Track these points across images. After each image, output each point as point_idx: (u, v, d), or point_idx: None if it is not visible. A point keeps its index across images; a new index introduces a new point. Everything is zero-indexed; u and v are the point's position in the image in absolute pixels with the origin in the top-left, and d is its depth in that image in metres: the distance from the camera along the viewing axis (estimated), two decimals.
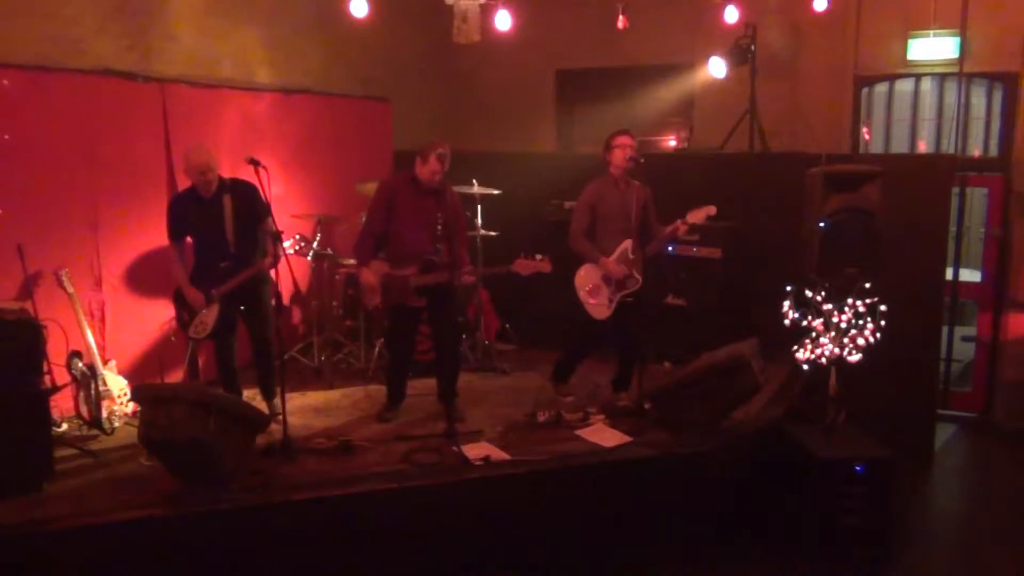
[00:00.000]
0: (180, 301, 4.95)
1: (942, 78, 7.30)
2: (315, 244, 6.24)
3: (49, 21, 5.05)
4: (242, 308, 4.98)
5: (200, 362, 5.66)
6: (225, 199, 4.85)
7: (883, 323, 4.80)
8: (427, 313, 5.24)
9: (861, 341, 4.83)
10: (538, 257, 5.00)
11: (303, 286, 6.70)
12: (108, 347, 5.29)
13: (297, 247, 5.95)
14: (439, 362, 5.36)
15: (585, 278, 5.23)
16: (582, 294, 5.22)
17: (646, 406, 5.10)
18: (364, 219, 5.26)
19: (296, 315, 6.73)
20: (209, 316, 4.86)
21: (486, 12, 6.27)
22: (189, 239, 5.00)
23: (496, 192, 6.42)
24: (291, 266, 4.86)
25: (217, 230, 4.84)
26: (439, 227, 5.00)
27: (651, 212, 5.29)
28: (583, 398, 5.48)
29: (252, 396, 5.21)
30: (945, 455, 6.44)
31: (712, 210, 5.08)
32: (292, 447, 4.53)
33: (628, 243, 5.16)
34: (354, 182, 6.60)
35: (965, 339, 7.34)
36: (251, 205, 4.85)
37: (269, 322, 5.01)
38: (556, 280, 5.40)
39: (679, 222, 5.11)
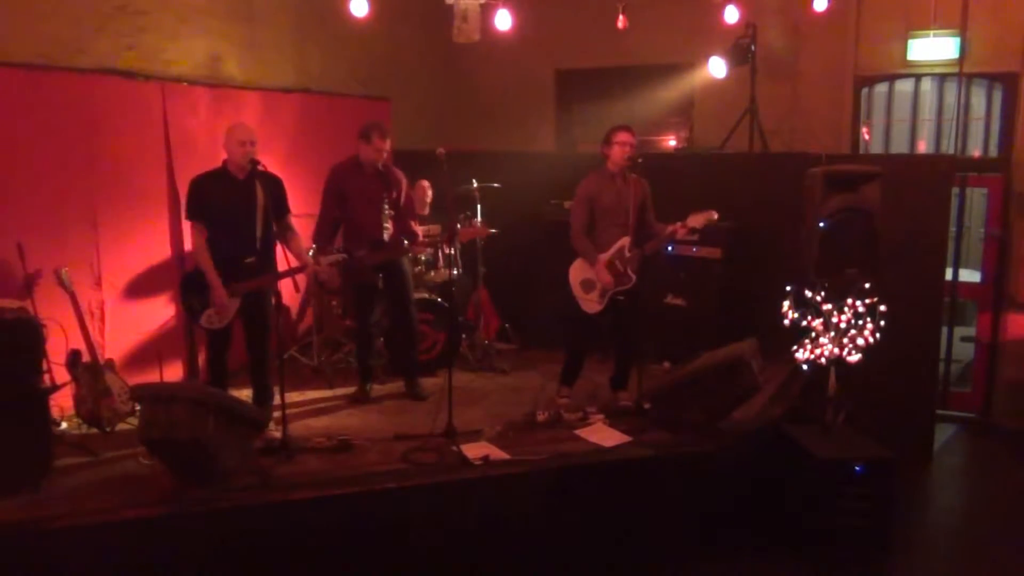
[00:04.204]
0: (191, 289, 4.82)
1: (942, 78, 7.30)
2: (314, 244, 6.23)
3: (49, 20, 5.05)
4: (244, 309, 4.88)
5: (200, 361, 5.65)
6: (257, 184, 4.76)
7: (883, 323, 4.81)
8: (385, 291, 5.56)
9: (860, 341, 4.84)
10: (476, 223, 5.77)
11: (302, 285, 6.70)
12: (108, 346, 5.29)
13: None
14: (397, 332, 5.66)
15: (579, 272, 5.24)
16: (575, 287, 5.23)
17: (645, 406, 5.10)
18: (320, 208, 5.52)
19: (295, 314, 6.72)
20: (229, 310, 4.78)
21: (486, 12, 6.26)
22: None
23: (496, 185, 6.42)
24: (289, 265, 4.85)
25: (248, 216, 4.74)
26: (386, 206, 5.35)
27: (648, 208, 5.28)
28: (583, 398, 5.47)
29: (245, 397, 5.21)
30: (944, 455, 6.45)
31: (714, 215, 5.09)
32: (291, 446, 4.53)
33: (625, 241, 5.16)
34: None
35: (964, 339, 7.34)
36: (280, 196, 4.86)
37: (269, 326, 4.96)
38: (556, 280, 5.44)
39: (679, 225, 5.11)
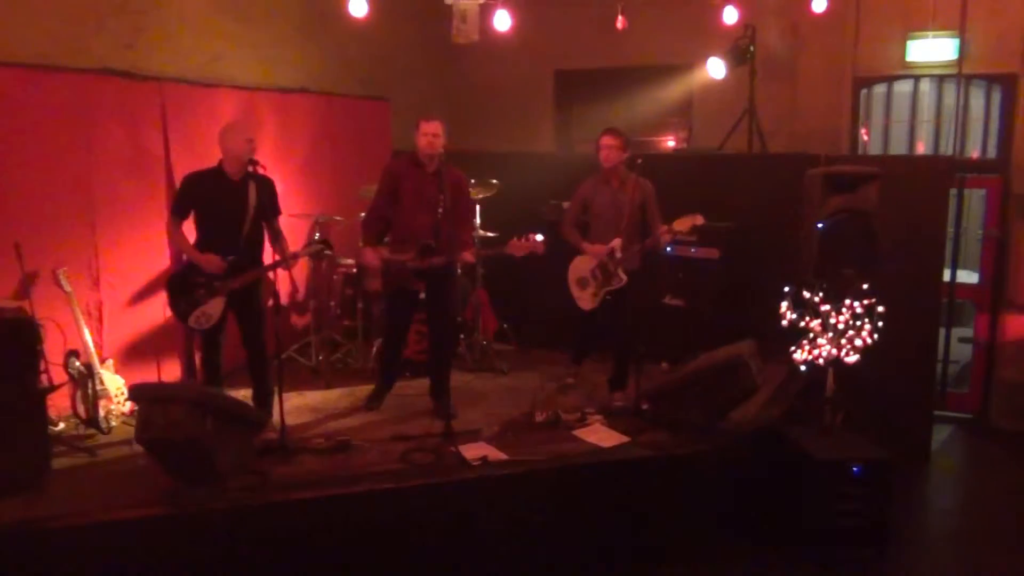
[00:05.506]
0: (177, 290, 4.83)
1: (941, 79, 7.30)
2: (361, 240, 6.19)
3: (48, 19, 5.04)
4: (236, 307, 4.89)
5: (197, 361, 5.65)
6: (251, 185, 4.79)
7: (881, 324, 4.81)
8: (426, 301, 5.24)
9: (859, 342, 4.84)
10: (531, 237, 4.98)
11: (301, 285, 6.70)
12: (105, 346, 5.28)
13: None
14: (432, 352, 5.40)
15: (575, 270, 5.48)
16: (571, 284, 5.47)
17: (644, 406, 5.10)
18: (370, 203, 5.31)
19: (294, 314, 6.72)
20: (214, 308, 4.78)
21: (485, 12, 6.27)
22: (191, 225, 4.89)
23: (494, 181, 6.40)
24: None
25: (238, 215, 4.76)
26: (440, 210, 4.93)
27: (651, 210, 5.35)
28: (582, 398, 5.50)
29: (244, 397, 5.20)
30: (942, 456, 6.45)
31: (699, 219, 5.17)
32: (289, 447, 4.53)
33: (617, 242, 5.29)
34: (352, 181, 6.59)
35: (962, 340, 7.35)
36: (271, 199, 4.84)
37: (263, 324, 4.97)
38: (555, 280, 5.49)
39: (664, 229, 5.19)
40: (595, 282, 5.39)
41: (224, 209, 4.78)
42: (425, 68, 8.08)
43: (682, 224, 5.16)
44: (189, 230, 4.93)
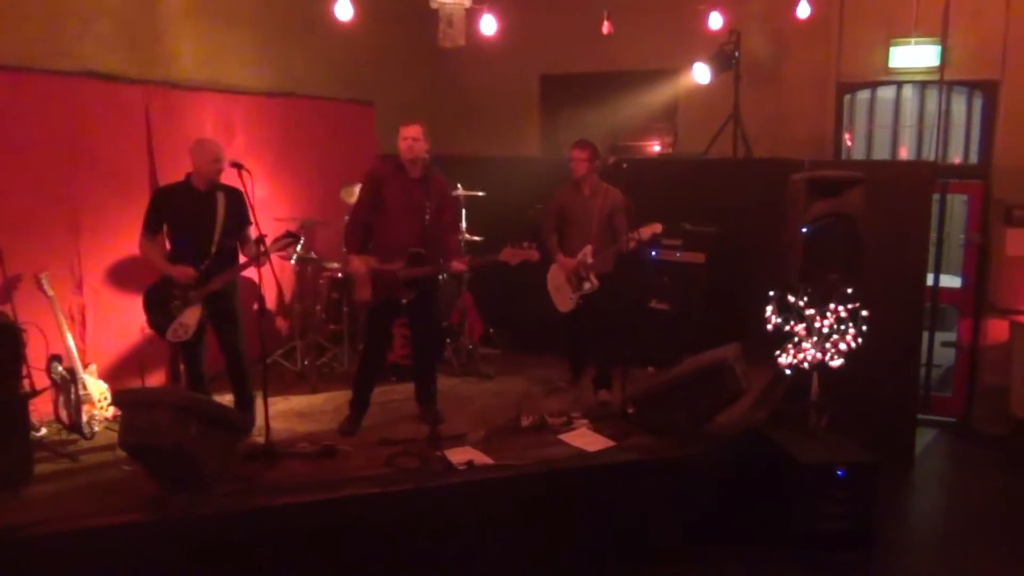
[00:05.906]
0: (153, 304, 4.81)
1: (923, 85, 7.37)
2: (298, 248, 6.21)
3: (31, 22, 5.01)
4: (212, 315, 4.84)
5: (182, 366, 5.61)
6: (219, 195, 4.80)
7: (865, 328, 4.84)
8: (411, 306, 5.11)
9: (843, 346, 4.87)
10: (525, 245, 4.97)
11: (286, 290, 6.68)
12: (88, 351, 5.25)
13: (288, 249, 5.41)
14: (417, 358, 5.37)
15: (553, 276, 5.69)
16: (550, 289, 5.68)
17: (629, 410, 5.11)
18: (352, 208, 5.23)
19: (279, 319, 6.69)
20: (191, 318, 4.76)
21: (471, 16, 6.27)
22: (163, 239, 4.88)
23: (480, 194, 6.41)
24: (275, 270, 4.83)
25: (207, 226, 4.75)
26: (427, 217, 4.88)
27: (618, 218, 5.47)
28: (568, 401, 5.51)
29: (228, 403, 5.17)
30: (926, 459, 6.49)
31: (658, 228, 5.40)
32: (275, 452, 4.51)
33: (587, 249, 5.47)
34: (338, 186, 6.57)
35: (945, 344, 7.40)
36: (241, 208, 4.82)
37: (240, 330, 4.95)
38: (540, 284, 5.55)
39: (628, 237, 5.33)
40: (569, 287, 5.58)
41: (193, 221, 4.78)
42: (411, 72, 8.06)
43: (644, 232, 5.34)
44: (163, 244, 4.90)
